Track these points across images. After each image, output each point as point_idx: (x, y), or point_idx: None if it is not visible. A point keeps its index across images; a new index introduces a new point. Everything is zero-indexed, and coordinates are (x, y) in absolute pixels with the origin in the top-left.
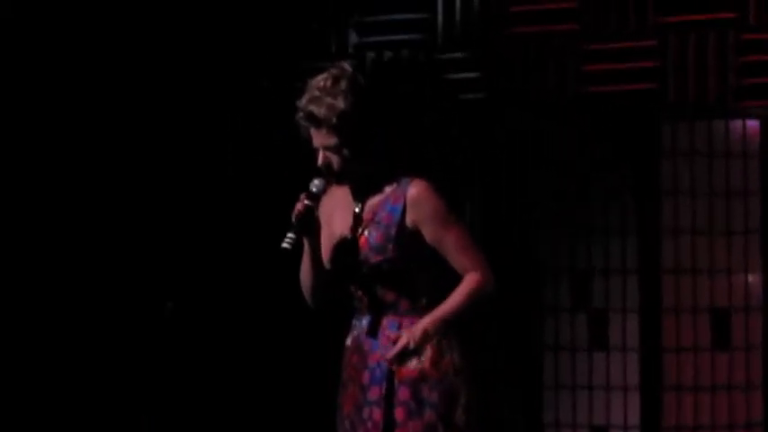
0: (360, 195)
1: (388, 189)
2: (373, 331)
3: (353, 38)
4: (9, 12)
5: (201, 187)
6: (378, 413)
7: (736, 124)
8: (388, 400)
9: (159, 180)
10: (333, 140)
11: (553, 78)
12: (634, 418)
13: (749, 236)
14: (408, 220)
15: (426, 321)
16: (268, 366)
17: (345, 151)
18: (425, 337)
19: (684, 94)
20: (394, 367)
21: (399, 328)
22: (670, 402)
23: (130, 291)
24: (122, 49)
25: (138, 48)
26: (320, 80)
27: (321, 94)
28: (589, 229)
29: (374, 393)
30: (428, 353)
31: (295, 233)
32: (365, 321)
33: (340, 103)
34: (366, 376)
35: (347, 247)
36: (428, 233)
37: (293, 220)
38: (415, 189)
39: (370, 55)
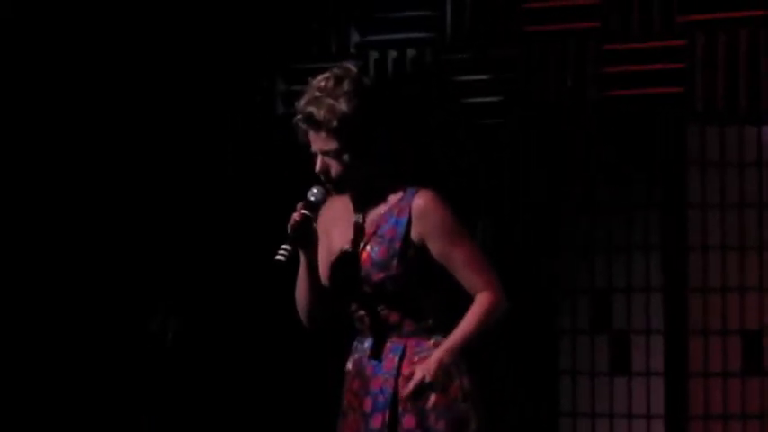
0: (361, 206)
1: (392, 200)
2: (376, 354)
3: (355, 37)
4: (9, 12)
5: (201, 187)
6: None
7: None
8: (392, 429)
9: (159, 180)
10: (332, 145)
11: (571, 81)
12: None
13: None
14: (414, 234)
15: (441, 353)
16: (262, 392)
17: (345, 157)
18: (441, 370)
19: (713, 98)
20: (410, 404)
21: (404, 350)
22: None
23: (130, 291)
24: (122, 50)
25: (138, 48)
26: (321, 80)
27: (321, 95)
28: (609, 243)
29: (377, 422)
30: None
31: (290, 245)
32: (367, 344)
33: (341, 106)
34: (368, 403)
35: (347, 262)
36: (435, 248)
37: (289, 230)
38: (421, 200)
39: (373, 54)
